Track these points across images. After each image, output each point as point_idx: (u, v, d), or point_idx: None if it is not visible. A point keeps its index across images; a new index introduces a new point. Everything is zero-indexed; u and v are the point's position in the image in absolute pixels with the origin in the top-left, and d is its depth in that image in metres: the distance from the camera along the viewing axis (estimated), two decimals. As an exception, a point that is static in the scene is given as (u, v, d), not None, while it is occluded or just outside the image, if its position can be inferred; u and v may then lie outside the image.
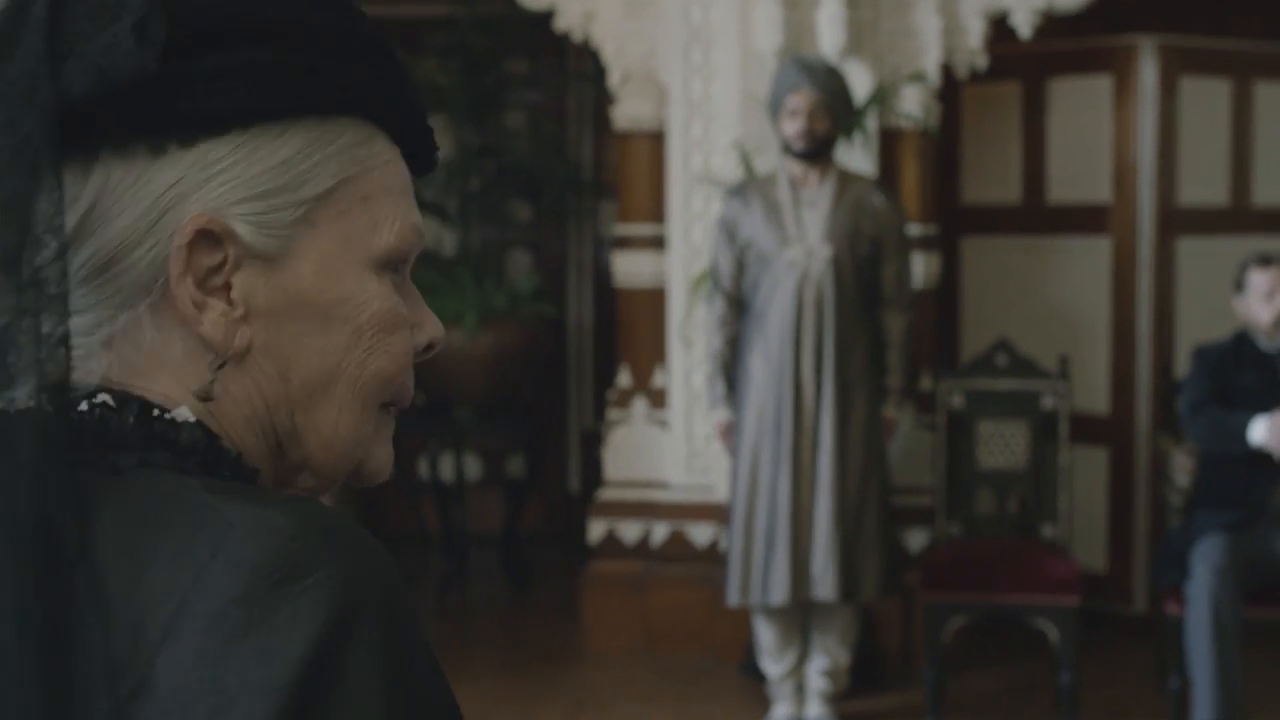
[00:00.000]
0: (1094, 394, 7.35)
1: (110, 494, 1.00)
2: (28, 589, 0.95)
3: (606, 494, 7.11)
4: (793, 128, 5.74)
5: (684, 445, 6.87)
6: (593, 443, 8.33)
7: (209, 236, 1.06)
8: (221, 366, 1.08)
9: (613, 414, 7.15)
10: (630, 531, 7.01)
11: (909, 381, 6.66)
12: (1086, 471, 7.29)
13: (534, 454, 8.42)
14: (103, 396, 1.05)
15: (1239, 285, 5.88)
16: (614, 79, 7.04)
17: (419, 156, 1.18)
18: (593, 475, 8.17)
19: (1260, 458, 5.66)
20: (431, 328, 1.17)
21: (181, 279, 1.06)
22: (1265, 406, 5.68)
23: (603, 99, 7.78)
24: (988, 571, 6.01)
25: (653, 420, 7.03)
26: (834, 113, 5.76)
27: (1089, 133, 7.37)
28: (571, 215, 9.09)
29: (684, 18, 6.78)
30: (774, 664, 6.01)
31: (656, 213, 6.99)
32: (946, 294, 7.66)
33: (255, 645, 0.92)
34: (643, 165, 7.04)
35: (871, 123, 6.63)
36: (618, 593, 6.88)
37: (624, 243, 7.12)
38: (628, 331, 7.18)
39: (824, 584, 5.73)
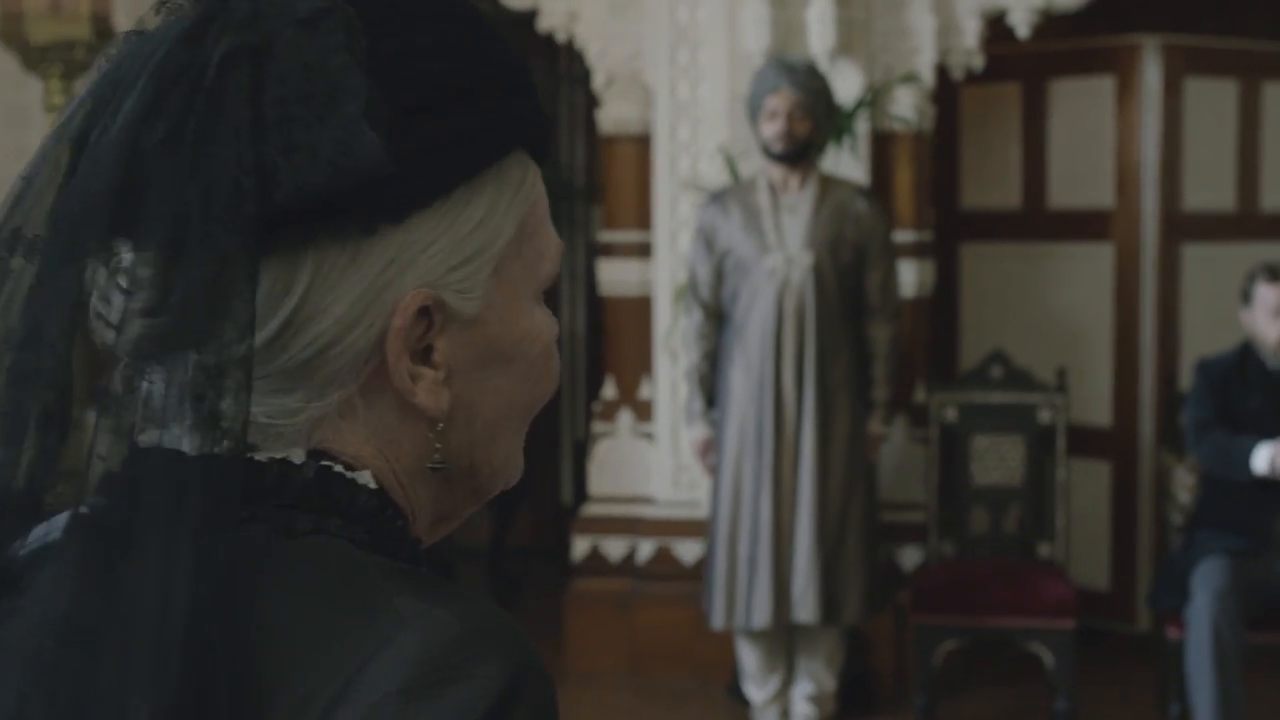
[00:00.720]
0: (1096, 406, 7.11)
1: (280, 558, 1.00)
2: (173, 675, 0.93)
3: (591, 509, 6.89)
4: (771, 129, 5.52)
5: (671, 459, 6.64)
6: (586, 454, 8.11)
7: (424, 311, 1.06)
8: (440, 429, 1.09)
9: (598, 427, 6.93)
10: (615, 548, 6.78)
11: (902, 393, 6.44)
12: (1088, 486, 7.04)
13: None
14: (284, 453, 1.05)
15: (1246, 297, 5.63)
16: (598, 81, 6.82)
17: (546, 160, 1.16)
18: (585, 487, 7.95)
19: (1265, 483, 5.42)
20: (552, 332, 1.15)
21: (401, 357, 1.06)
22: (1271, 429, 5.44)
23: (594, 102, 7.57)
24: (981, 593, 5.78)
25: (638, 433, 6.81)
26: (815, 114, 5.54)
27: (1091, 135, 7.13)
28: (564, 221, 8.86)
29: (670, 18, 6.56)
30: (758, 689, 5.78)
31: (643, 219, 6.76)
32: (945, 302, 7.43)
33: None
34: (628, 170, 6.82)
35: (863, 126, 6.40)
36: (602, 612, 6.65)
37: (609, 250, 6.91)
38: (613, 342, 6.96)
39: (804, 606, 5.50)
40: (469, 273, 1.08)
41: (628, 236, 6.82)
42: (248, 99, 0.99)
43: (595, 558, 6.80)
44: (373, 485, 1.07)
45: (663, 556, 6.65)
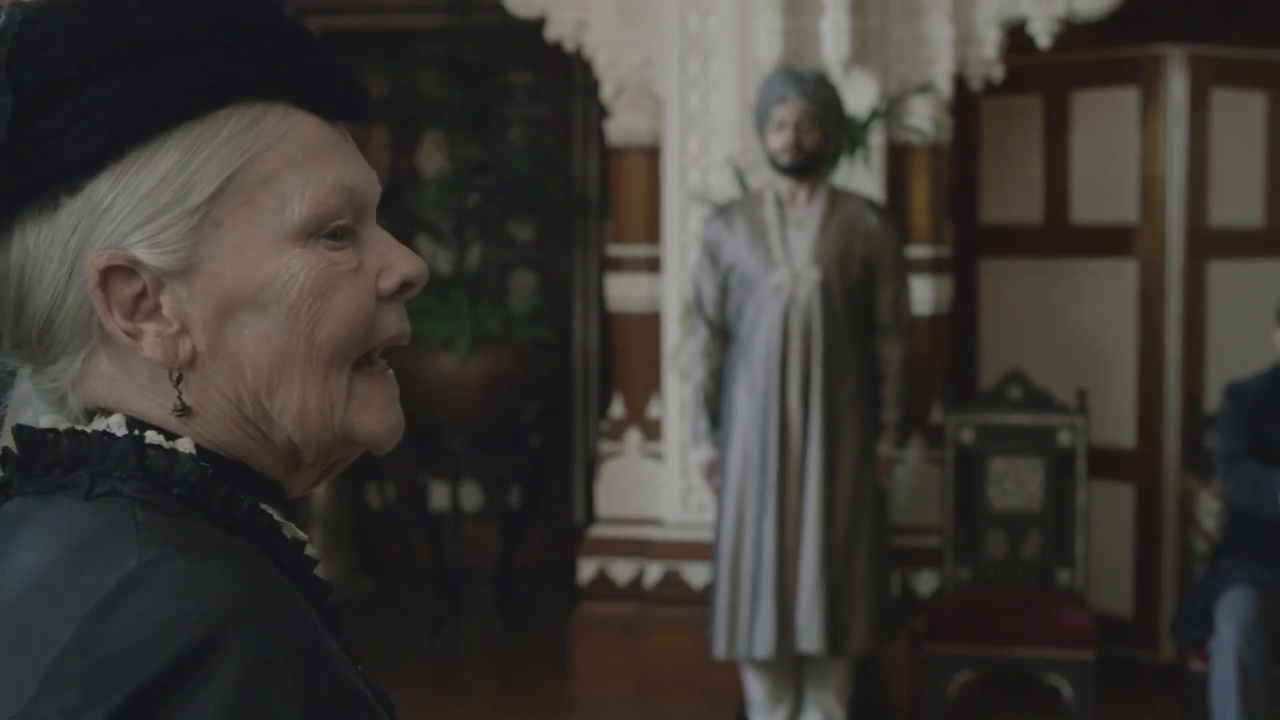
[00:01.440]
0: (1119, 427, 6.89)
1: (50, 518, 1.11)
2: None
3: (597, 531, 6.70)
4: (779, 141, 5.34)
5: (680, 480, 6.46)
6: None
7: (118, 271, 1.13)
8: (179, 381, 1.15)
9: (605, 446, 6.74)
10: (623, 571, 6.60)
11: (917, 414, 6.25)
12: (1111, 509, 6.83)
13: (533, 484, 8.07)
14: (116, 419, 1.15)
15: None
16: (607, 91, 6.64)
17: (341, 100, 1.20)
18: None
19: None
20: (403, 267, 1.18)
21: (108, 317, 1.13)
22: None
23: (604, 113, 7.40)
24: (997, 621, 5.57)
25: (647, 453, 6.62)
26: (824, 125, 5.35)
27: (1114, 149, 6.92)
28: (577, 235, 8.70)
29: (681, 26, 6.38)
30: (765, 719, 5.59)
31: (652, 233, 6.59)
32: (963, 320, 7.23)
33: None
34: (638, 182, 6.64)
35: (878, 138, 6.22)
36: (609, 636, 6.46)
37: (617, 265, 6.72)
38: (621, 359, 6.78)
39: (809, 635, 5.31)
40: (156, 229, 1.13)
41: (636, 251, 6.64)
42: None
43: (602, 581, 6.62)
44: (189, 450, 1.14)
45: (671, 580, 6.46)
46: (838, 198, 5.50)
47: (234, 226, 1.14)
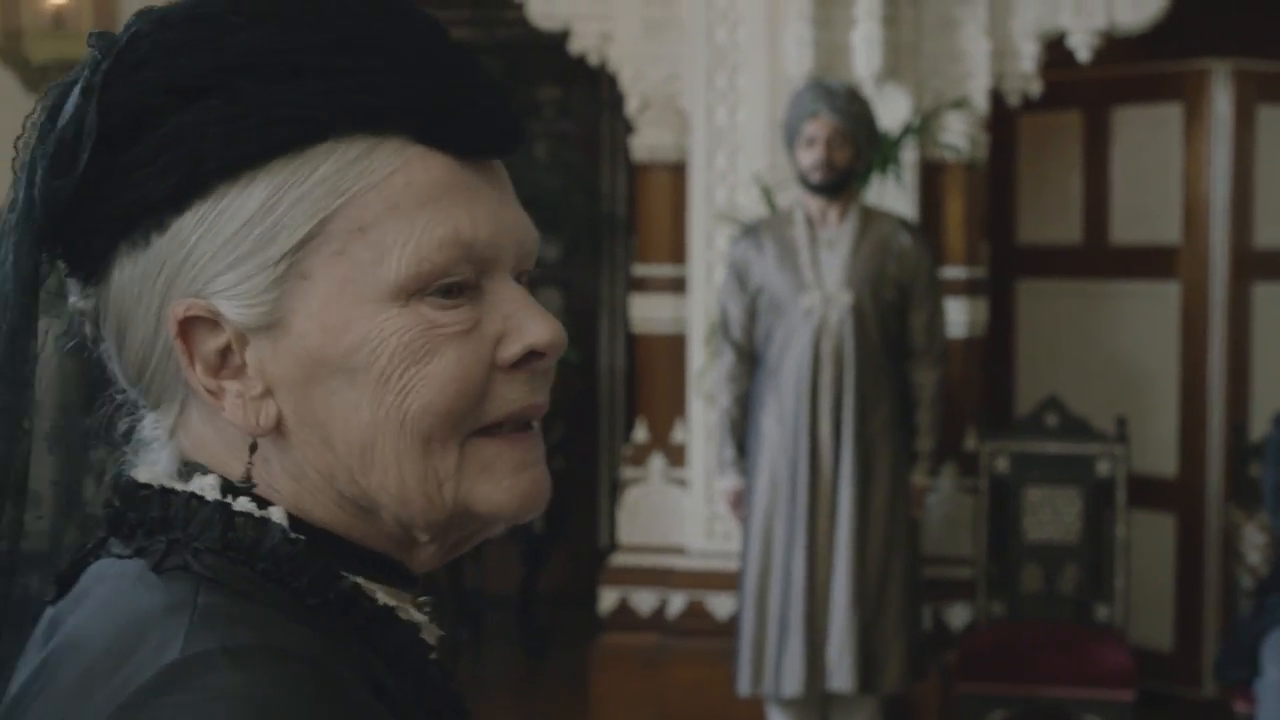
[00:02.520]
0: (1161, 455, 6.66)
1: (115, 584, 1.02)
2: None
3: (619, 559, 6.49)
4: (809, 158, 5.13)
5: (704, 507, 6.25)
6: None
7: (201, 323, 1.03)
8: (254, 449, 1.05)
9: (628, 472, 6.54)
10: (645, 601, 6.38)
11: (951, 441, 6.04)
12: (1152, 539, 6.61)
13: (557, 508, 7.87)
14: (210, 481, 1.05)
15: None
16: (632, 106, 6.44)
17: (477, 133, 1.05)
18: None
19: None
20: (531, 333, 1.04)
21: (190, 370, 1.04)
22: None
23: (629, 128, 7.21)
24: (1032, 659, 5.35)
25: (671, 479, 6.42)
26: (856, 141, 5.14)
27: (1156, 166, 6.70)
28: (604, 253, 8.51)
29: (708, 39, 6.19)
30: (790, 758, 5.37)
31: (677, 252, 6.38)
32: (1000, 343, 7.01)
33: None
34: (663, 200, 6.44)
35: (911, 155, 6.01)
36: (630, 668, 6.25)
37: (642, 285, 6.52)
38: (645, 382, 6.58)
39: (840, 673, 5.08)
40: (241, 276, 1.02)
41: (661, 271, 6.43)
42: (40, 137, 1.06)
43: (624, 611, 6.41)
44: (280, 520, 1.03)
45: (695, 610, 6.25)
46: (870, 217, 5.29)
47: (324, 280, 1.02)
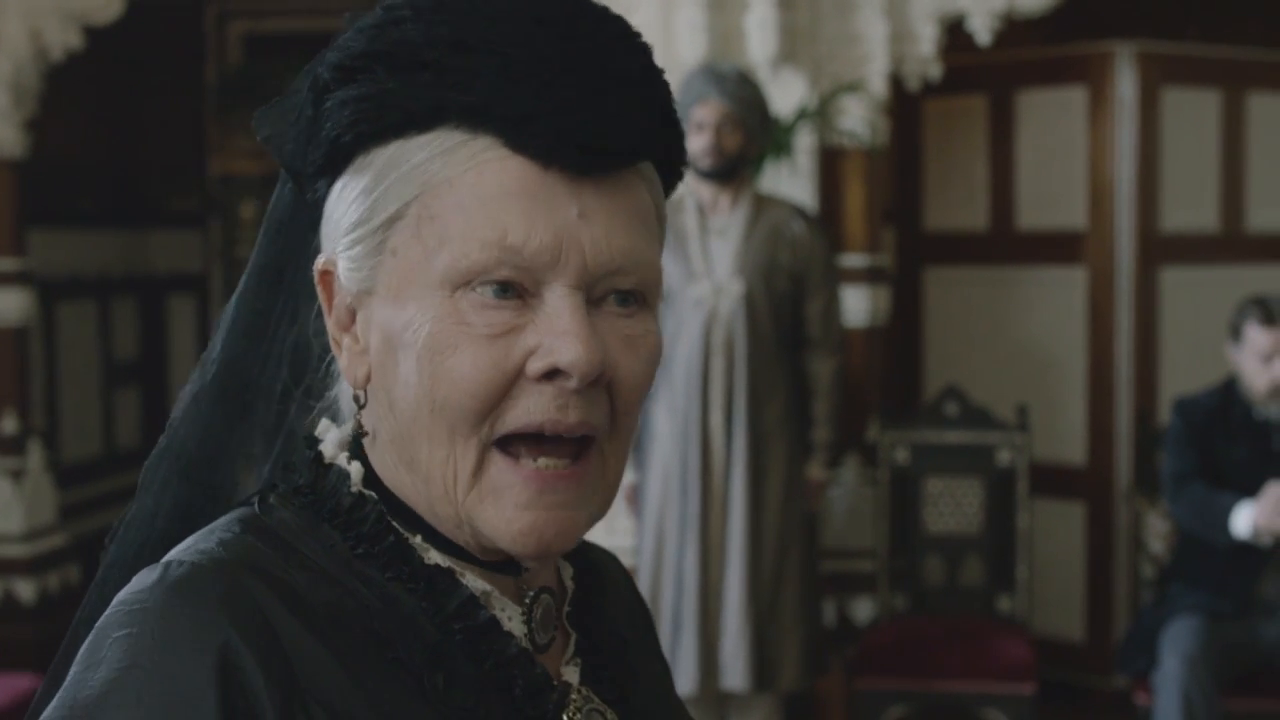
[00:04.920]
0: (1069, 443, 6.57)
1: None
2: None
3: (520, 557, 6.34)
4: (699, 143, 5.00)
5: (604, 503, 6.11)
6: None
7: (335, 278, 1.15)
8: (359, 404, 1.15)
9: (527, 467, 6.39)
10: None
11: (853, 432, 5.93)
12: (1061, 529, 6.52)
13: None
14: (333, 434, 1.20)
15: (1235, 333, 5.06)
16: (527, 93, 6.30)
17: (561, 146, 1.07)
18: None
19: (1247, 543, 4.89)
20: (558, 352, 1.07)
21: (328, 317, 1.17)
22: (1254, 484, 4.89)
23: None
24: (932, 653, 5.24)
25: (571, 474, 6.28)
26: (747, 126, 5.02)
27: (1061, 150, 6.61)
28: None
29: (602, 24, 6.04)
30: (688, 759, 5.24)
31: (574, 242, 6.24)
32: (908, 331, 6.91)
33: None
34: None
35: (808, 140, 5.88)
36: (532, 668, 6.11)
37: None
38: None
39: (734, 671, 4.96)
40: (353, 241, 1.12)
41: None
42: None
43: (525, 609, 6.26)
44: (352, 474, 1.15)
45: (596, 608, 6.12)
46: (763, 205, 5.17)
47: (404, 257, 1.10)
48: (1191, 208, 6.61)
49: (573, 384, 1.08)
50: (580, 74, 1.09)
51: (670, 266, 5.07)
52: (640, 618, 1.39)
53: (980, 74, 6.71)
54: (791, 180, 5.78)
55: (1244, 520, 4.85)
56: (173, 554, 1.10)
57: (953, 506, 5.61)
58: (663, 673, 1.38)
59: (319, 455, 1.18)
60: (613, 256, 1.10)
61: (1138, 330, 6.48)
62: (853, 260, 5.98)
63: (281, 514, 1.14)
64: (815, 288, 5.16)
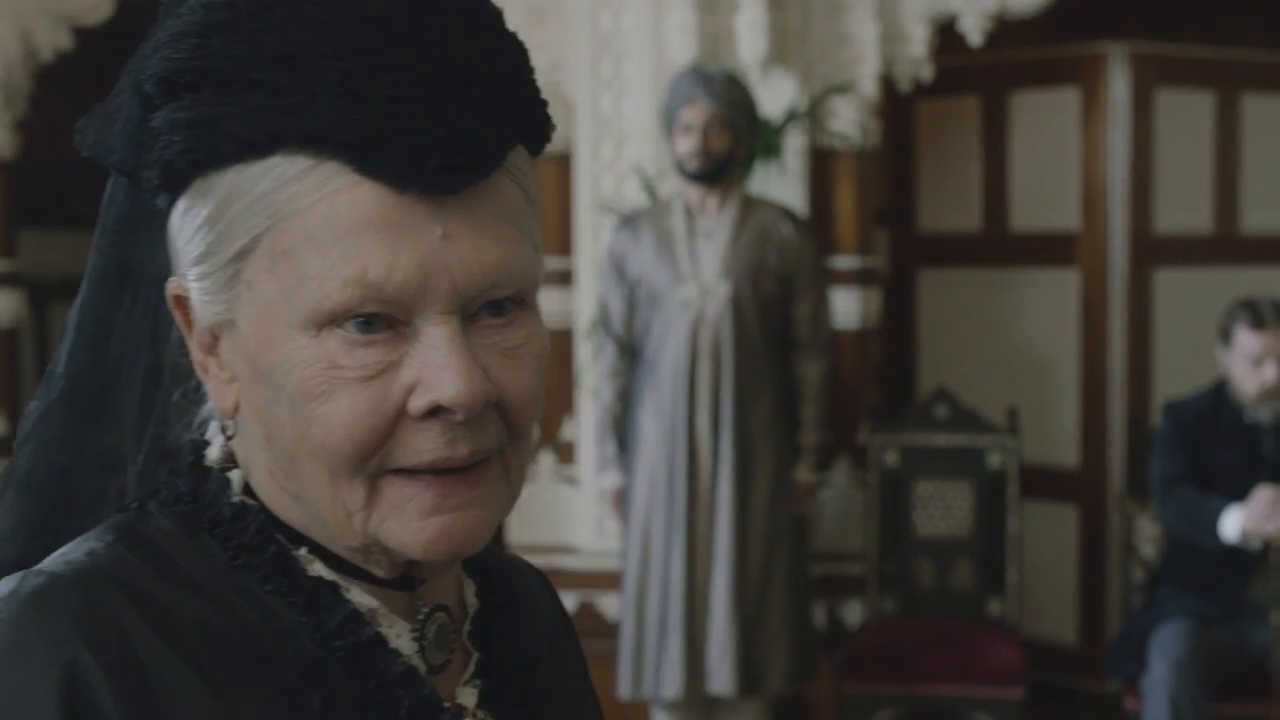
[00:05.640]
0: (1062, 445, 6.55)
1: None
2: None
3: (510, 560, 6.31)
4: (686, 145, 4.99)
5: (594, 506, 6.08)
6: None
7: (187, 301, 1.08)
8: (229, 434, 1.10)
9: (517, 470, 6.36)
10: (536, 602, 6.21)
11: (845, 434, 5.90)
12: (1054, 532, 6.50)
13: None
14: (216, 444, 1.13)
15: (1225, 336, 5.04)
16: (516, 95, 6.27)
17: (416, 168, 0.99)
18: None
19: (1236, 547, 4.86)
20: (439, 389, 1.01)
21: (189, 341, 1.10)
22: (1243, 487, 4.86)
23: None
24: (921, 657, 5.22)
25: (560, 477, 6.26)
26: (735, 128, 5.00)
27: (1054, 152, 6.58)
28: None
29: (592, 25, 6.02)
30: (676, 763, 5.22)
31: (564, 245, 6.22)
32: (901, 333, 6.89)
33: None
34: (548, 191, 6.24)
35: (798, 142, 5.86)
36: (522, 671, 6.09)
37: (528, 278, 6.34)
38: (534, 377, 6.40)
39: (720, 676, 4.94)
40: (203, 272, 1.05)
41: (548, 264, 6.21)
42: None
43: (515, 613, 6.24)
44: (233, 483, 1.09)
45: (586, 612, 6.10)
46: (751, 206, 5.14)
47: (260, 292, 1.03)
48: (1185, 209, 6.59)
49: (458, 418, 1.02)
50: (430, 81, 1.00)
51: (658, 268, 5.06)
52: (563, 637, 1.33)
53: (972, 75, 6.69)
54: (782, 182, 5.75)
55: (1233, 524, 4.82)
56: (44, 563, 1.05)
57: (943, 509, 5.58)
58: (585, 694, 1.32)
59: (200, 460, 1.12)
60: (485, 274, 1.03)
61: (1131, 332, 6.46)
62: (844, 262, 5.96)
63: (160, 522, 1.09)
64: (803, 290, 5.14)
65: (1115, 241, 6.46)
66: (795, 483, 5.15)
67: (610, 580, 5.95)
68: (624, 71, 6.01)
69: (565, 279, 6.20)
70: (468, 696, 1.15)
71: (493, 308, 1.05)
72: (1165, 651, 4.76)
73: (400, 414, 1.02)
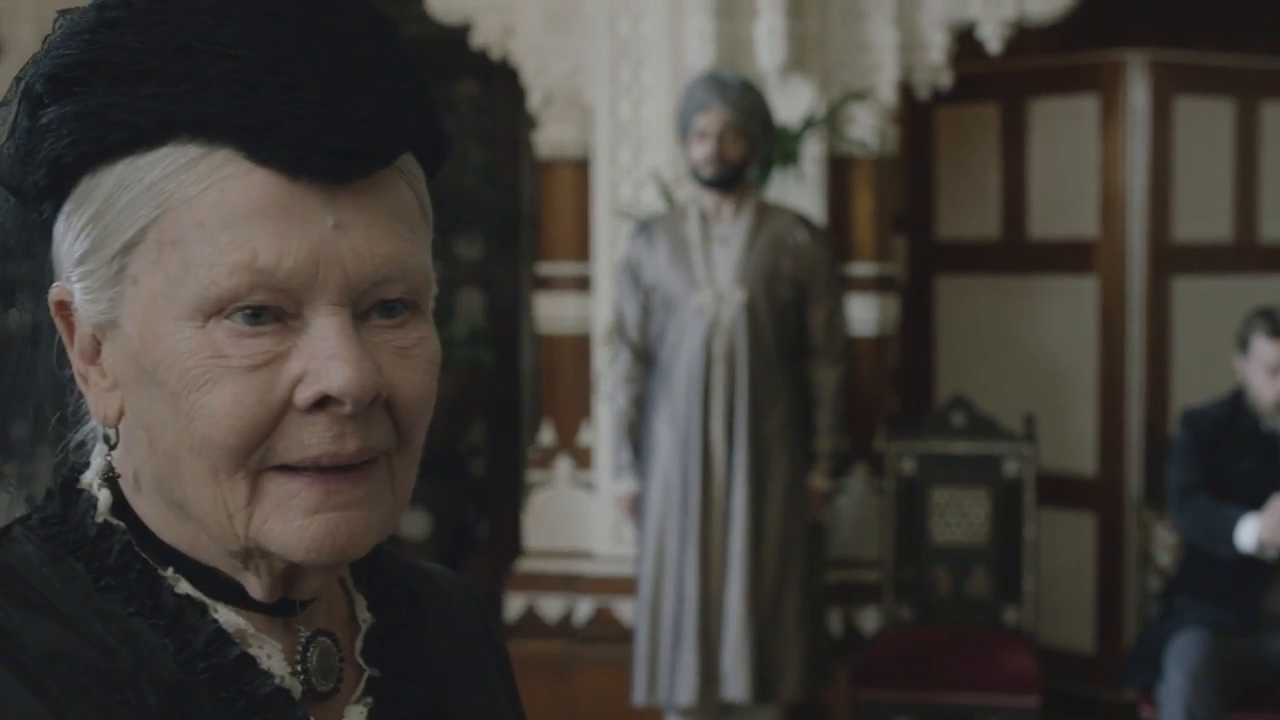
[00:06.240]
0: (1080, 453, 6.54)
1: None
2: None
3: (526, 565, 6.33)
4: (701, 152, 5.00)
5: (611, 511, 6.08)
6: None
7: (70, 307, 1.06)
8: (109, 442, 1.08)
9: (534, 475, 6.38)
10: (552, 607, 6.23)
11: (862, 441, 5.90)
12: (1071, 539, 6.48)
13: (474, 515, 7.73)
14: (94, 469, 1.11)
15: (1243, 344, 5.03)
16: (535, 100, 6.29)
17: (308, 154, 0.99)
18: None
19: (1252, 558, 4.85)
20: (327, 379, 0.99)
21: (70, 351, 1.08)
22: (1260, 496, 4.85)
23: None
24: (936, 664, 5.21)
25: (578, 483, 6.27)
26: (749, 135, 5.00)
27: (1073, 160, 6.57)
28: (523, 252, 8.35)
29: (611, 31, 6.03)
30: (691, 769, 5.22)
31: (582, 250, 6.23)
32: (919, 340, 6.89)
33: None
34: (567, 197, 6.28)
35: (816, 149, 5.86)
36: (538, 676, 6.07)
37: (545, 283, 6.36)
38: (550, 383, 6.42)
39: (734, 682, 4.94)
40: (84, 272, 1.04)
41: (566, 269, 6.28)
42: None
43: (531, 617, 6.25)
44: (99, 503, 1.07)
45: (602, 617, 6.10)
46: (766, 213, 5.15)
47: (147, 287, 1.01)
48: (1204, 218, 6.57)
49: (346, 409, 1.00)
50: (324, 72, 1.00)
51: (673, 274, 5.06)
52: (481, 649, 1.29)
53: (991, 82, 6.68)
54: (800, 189, 5.76)
55: (1249, 533, 4.81)
56: None
57: (959, 517, 5.58)
58: (504, 710, 1.28)
59: (70, 482, 1.10)
60: (376, 267, 1.02)
61: (1149, 340, 6.44)
62: (861, 269, 5.96)
63: (24, 547, 1.07)
64: (818, 296, 5.15)
65: (1134, 249, 6.45)
66: (809, 489, 5.15)
67: (627, 586, 5.95)
68: (643, 77, 6.02)
69: (583, 285, 6.21)
70: (356, 716, 1.11)
71: (384, 309, 1.04)
72: (1181, 661, 4.75)
73: (286, 407, 1.01)
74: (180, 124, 0.99)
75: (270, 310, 1.00)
